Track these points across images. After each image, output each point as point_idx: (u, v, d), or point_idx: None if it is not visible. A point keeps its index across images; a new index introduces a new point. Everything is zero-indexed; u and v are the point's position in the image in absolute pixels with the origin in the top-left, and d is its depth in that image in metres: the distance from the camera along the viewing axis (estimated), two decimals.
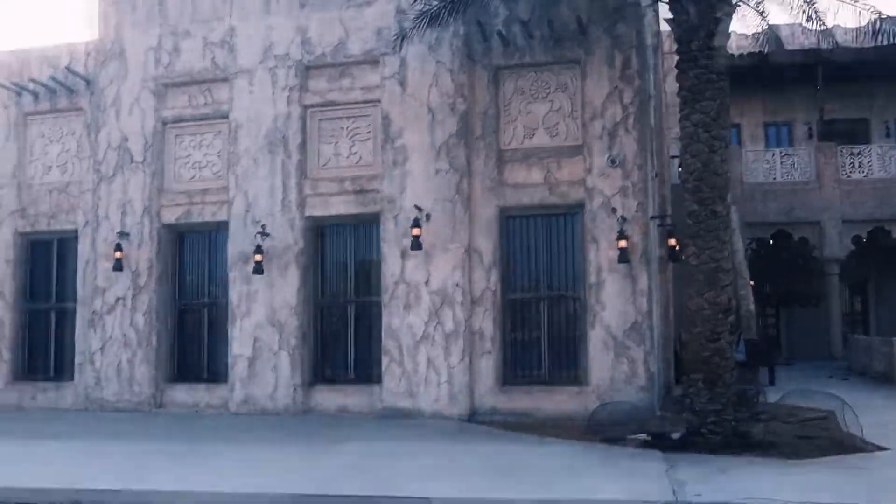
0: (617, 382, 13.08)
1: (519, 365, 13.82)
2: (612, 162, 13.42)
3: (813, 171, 24.21)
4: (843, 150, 24.24)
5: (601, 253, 13.32)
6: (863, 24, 13.13)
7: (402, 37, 13.44)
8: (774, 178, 25.09)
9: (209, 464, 9.81)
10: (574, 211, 13.72)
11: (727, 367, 11.03)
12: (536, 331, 13.91)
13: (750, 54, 19.86)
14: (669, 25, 11.90)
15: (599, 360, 13.19)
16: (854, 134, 27.14)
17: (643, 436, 11.32)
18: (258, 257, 14.29)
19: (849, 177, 23.97)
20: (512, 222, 13.96)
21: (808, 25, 14.23)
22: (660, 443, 10.91)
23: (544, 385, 13.58)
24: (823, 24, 14.07)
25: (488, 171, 13.86)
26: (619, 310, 13.18)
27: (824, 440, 11.14)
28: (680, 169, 12.91)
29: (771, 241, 24.70)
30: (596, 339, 13.24)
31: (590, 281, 13.37)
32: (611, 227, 13.29)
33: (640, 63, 13.67)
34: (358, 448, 10.86)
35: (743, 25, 14.16)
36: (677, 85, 11.62)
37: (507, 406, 13.43)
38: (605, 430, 11.76)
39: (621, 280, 13.21)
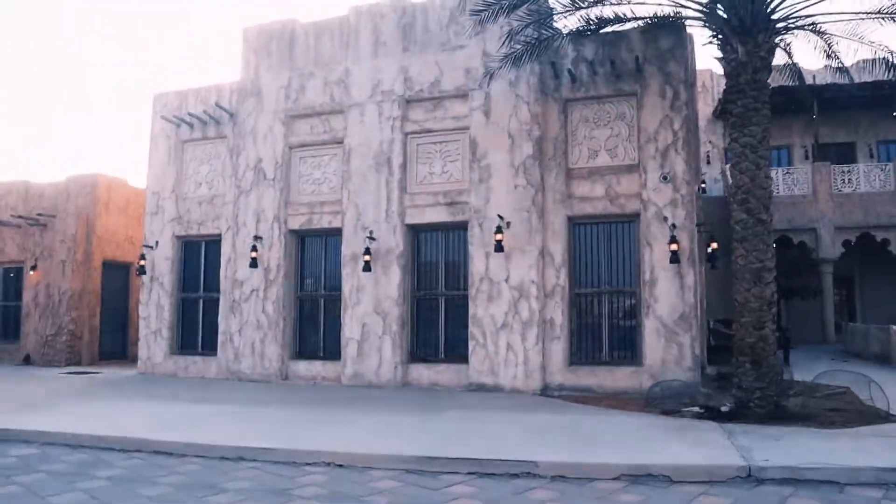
0: (667, 364, 12.54)
1: (583, 348, 13.37)
2: (664, 178, 12.91)
3: (810, 187, 23.61)
4: (835, 169, 23.73)
5: (654, 255, 12.81)
6: (871, 56, 12.47)
7: (490, 75, 13.21)
8: (778, 192, 24.30)
9: (343, 427, 9.58)
10: (631, 219, 13.22)
11: (770, 351, 10.48)
12: (598, 319, 13.43)
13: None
14: (719, 62, 11.31)
15: (652, 345, 12.67)
16: (844, 155, 26.64)
17: (695, 409, 10.80)
18: (367, 258, 14.14)
19: (840, 191, 23.44)
20: (578, 229, 13.53)
21: (829, 62, 13.54)
22: (711, 414, 10.38)
23: (605, 365, 13.10)
24: (841, 62, 13.44)
25: (558, 186, 13.46)
26: (669, 302, 12.65)
27: (852, 412, 10.47)
28: (704, 184, 12.29)
29: (775, 245, 23.83)
30: (650, 327, 12.72)
31: (644, 278, 12.86)
32: (663, 233, 12.79)
33: (687, 96, 13.13)
34: (459, 416, 10.57)
35: None
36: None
37: (573, 382, 13.00)
38: (660, 403, 11.29)
39: (671, 278, 12.68)
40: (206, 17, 66.16)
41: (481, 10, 12.66)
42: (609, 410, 11.03)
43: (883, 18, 11.21)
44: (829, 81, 20.80)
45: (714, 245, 13.27)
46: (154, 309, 16.53)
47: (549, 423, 9.85)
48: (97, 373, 16.95)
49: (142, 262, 16.44)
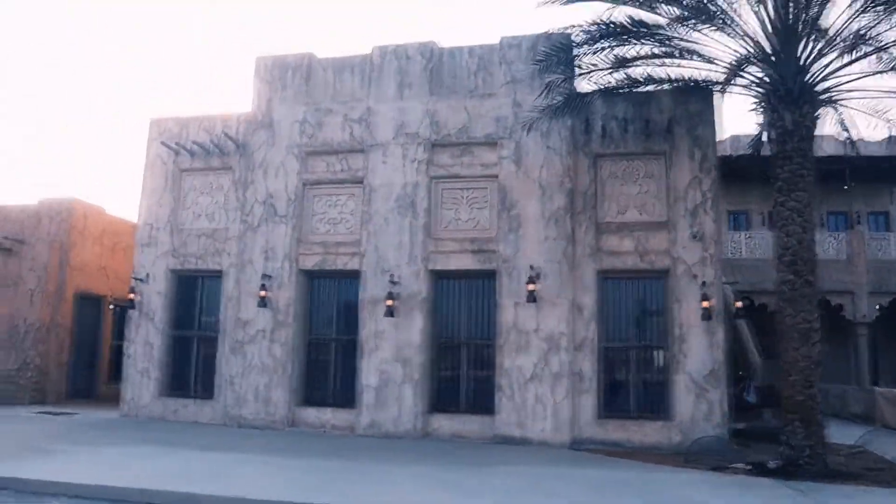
0: (696, 419, 12.84)
1: (612, 402, 13.50)
2: (694, 237, 13.37)
3: (770, 250, 24.21)
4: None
5: (684, 311, 13.17)
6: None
7: (529, 126, 13.37)
8: (740, 255, 25.16)
9: (387, 481, 9.25)
10: (660, 275, 13.58)
11: (818, 410, 10.92)
12: (626, 373, 13.65)
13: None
14: (766, 129, 11.89)
15: (682, 400, 12.95)
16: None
17: (741, 465, 11.06)
18: (390, 302, 13.87)
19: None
20: (607, 282, 13.76)
21: (843, 133, 14.41)
22: (760, 471, 10.64)
23: (633, 420, 13.27)
24: (849, 135, 14.34)
25: (588, 240, 13.70)
26: (699, 358, 13.00)
27: (887, 471, 10.96)
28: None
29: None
30: (679, 383, 13.00)
31: (674, 334, 13.19)
32: (692, 289, 13.20)
33: (715, 157, 13.69)
34: (509, 471, 10.44)
35: None
36: None
37: (603, 436, 13.09)
38: (697, 458, 11.49)
39: (701, 334, 13.05)
40: (201, 47, 64.06)
41: (541, 61, 12.89)
42: (657, 466, 11.14)
43: None
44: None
45: (739, 304, 13.74)
46: (142, 346, 15.56)
47: (609, 480, 9.85)
48: (72, 413, 15.74)
49: (131, 296, 15.52)
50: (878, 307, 21.52)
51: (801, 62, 11.35)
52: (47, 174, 54.78)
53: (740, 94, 12.70)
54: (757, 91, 12.15)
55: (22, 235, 17.59)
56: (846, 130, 14.12)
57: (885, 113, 12.88)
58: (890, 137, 14.55)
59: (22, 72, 56.52)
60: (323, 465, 10.44)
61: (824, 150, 17.14)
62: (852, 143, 14.61)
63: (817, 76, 11.48)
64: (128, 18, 59.48)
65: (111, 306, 19.06)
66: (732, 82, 12.61)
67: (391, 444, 13.02)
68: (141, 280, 15.67)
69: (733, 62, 12.04)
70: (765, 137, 13.54)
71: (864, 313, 21.30)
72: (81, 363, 18.17)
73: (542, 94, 13.40)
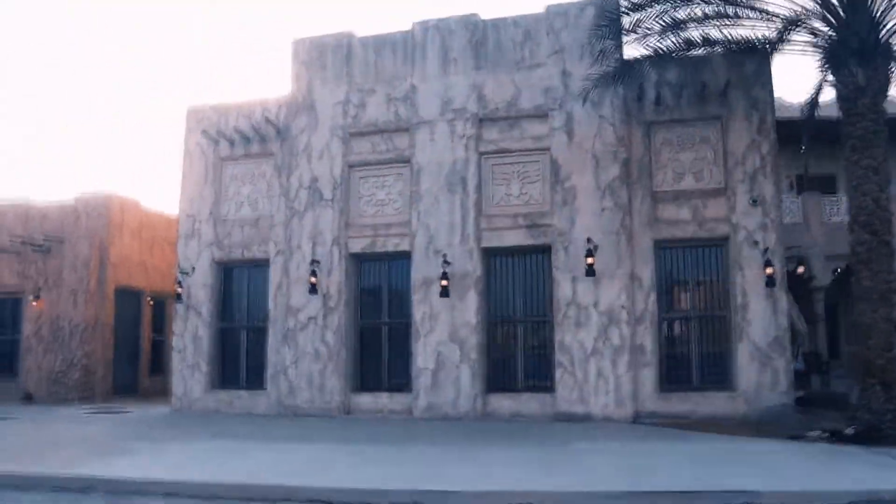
0: (762, 388, 12.68)
1: (674, 374, 13.36)
2: (754, 202, 13.15)
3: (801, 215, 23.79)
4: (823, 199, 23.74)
5: (746, 278, 12.98)
6: None
7: (585, 96, 13.19)
8: None
9: (483, 463, 9.06)
10: (719, 243, 13.39)
11: None
12: (687, 344, 13.46)
13: None
14: (834, 87, 11.62)
15: (746, 369, 12.77)
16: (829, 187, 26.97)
17: (818, 432, 10.87)
18: (444, 282, 13.74)
19: (830, 220, 23.35)
20: (666, 252, 13.57)
21: None
22: (838, 438, 10.45)
23: (696, 391, 13.12)
24: None
25: (644, 210, 13.50)
26: (762, 326, 12.82)
27: None
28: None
29: None
30: (743, 351, 12.83)
31: (736, 302, 13.00)
32: (753, 256, 13.00)
33: (773, 120, 13.43)
34: (593, 447, 10.27)
35: None
36: None
37: (667, 409, 12.94)
38: (769, 428, 11.37)
39: (764, 301, 12.88)
40: (232, 34, 63.59)
41: (590, 28, 12.70)
42: (733, 437, 10.95)
43: None
44: None
45: (802, 269, 13.51)
46: (191, 340, 15.49)
47: (702, 453, 9.64)
48: (124, 411, 15.72)
49: (178, 290, 15.44)
50: None
51: (873, 15, 11.06)
52: (75, 172, 54.91)
53: (797, 52, 12.42)
54: (819, 48, 11.88)
55: (61, 234, 17.55)
56: None
57: None
58: None
59: (40, 68, 56.56)
60: (411, 451, 10.06)
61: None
62: None
63: (892, 30, 11.18)
64: (155, 8, 58.99)
65: (150, 300, 19.02)
66: (791, 39, 12.35)
67: (454, 426, 12.88)
68: (186, 273, 15.60)
69: (794, 15, 11.76)
70: (823, 98, 13.30)
71: None
72: (124, 359, 18.19)
73: (594, 62, 13.20)
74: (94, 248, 17.42)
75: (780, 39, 12.56)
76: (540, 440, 11.04)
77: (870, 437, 10.27)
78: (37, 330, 17.47)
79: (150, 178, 58.22)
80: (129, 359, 18.44)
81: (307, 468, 8.87)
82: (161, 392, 19.00)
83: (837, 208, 24.23)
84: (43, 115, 56.72)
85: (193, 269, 15.64)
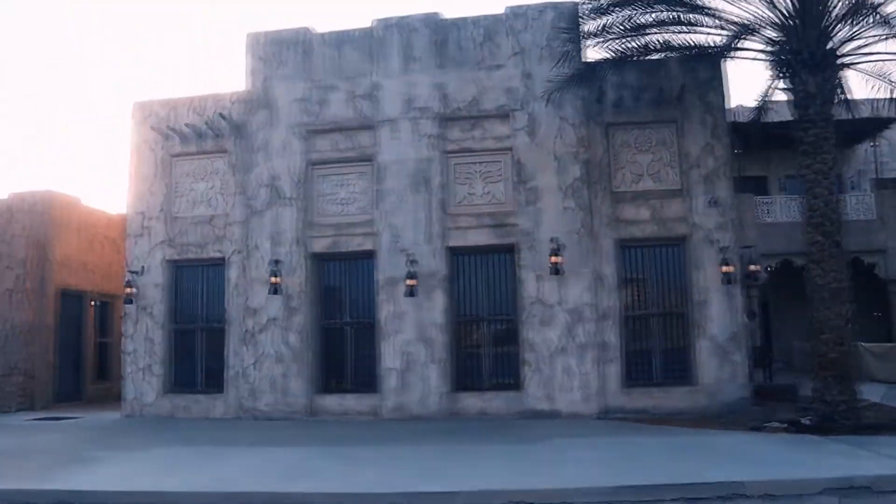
0: (721, 382, 13.29)
1: (637, 370, 13.82)
2: (712, 203, 13.72)
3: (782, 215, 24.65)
4: (757, 200, 24.83)
5: (705, 276, 13.57)
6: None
7: (549, 97, 13.54)
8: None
9: (470, 462, 9.23)
10: (678, 242, 13.93)
11: (851, 367, 11.40)
12: (649, 341, 13.93)
13: None
14: (787, 94, 12.27)
15: (706, 365, 13.38)
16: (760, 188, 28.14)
17: (776, 423, 11.52)
18: (411, 282, 13.81)
19: (763, 220, 24.51)
20: (627, 251, 14.01)
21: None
22: (797, 428, 11.11)
23: (659, 386, 13.63)
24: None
25: (605, 210, 13.93)
26: (721, 323, 13.44)
27: None
28: None
29: None
30: (703, 347, 13.42)
31: (696, 299, 13.56)
32: (711, 255, 13.59)
33: (726, 124, 14.06)
34: (570, 444, 10.61)
35: None
36: None
37: (631, 405, 13.41)
38: (731, 420, 11.97)
39: (722, 298, 13.49)
40: (190, 31, 60.47)
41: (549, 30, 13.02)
42: (701, 430, 11.52)
43: None
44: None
45: (753, 267, 14.21)
46: (142, 342, 15.04)
47: (673, 445, 10.12)
48: (72, 417, 15.12)
49: (128, 290, 14.93)
50: None
51: (824, 26, 11.72)
52: (9, 171, 51.79)
53: (750, 59, 13.04)
54: (772, 56, 12.51)
55: None
56: (844, 93, 14.64)
57: (889, 76, 13.38)
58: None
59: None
60: (390, 453, 10.16)
61: None
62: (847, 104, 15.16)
63: (841, 39, 11.88)
64: (116, 9, 55.98)
65: (92, 302, 18.29)
66: (744, 47, 12.95)
67: (424, 425, 13.00)
68: (136, 272, 15.10)
69: (748, 23, 12.34)
70: (774, 102, 13.99)
71: None
72: (67, 364, 17.41)
73: (556, 64, 13.50)
74: (32, 246, 16.59)
75: (733, 47, 13.16)
76: (518, 437, 11.32)
77: (825, 426, 10.98)
78: None
79: (90, 176, 55.67)
80: (73, 364, 17.66)
81: (291, 473, 8.87)
82: (107, 398, 18.32)
83: (769, 209, 25.62)
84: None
85: (144, 268, 15.16)
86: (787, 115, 13.50)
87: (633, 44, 13.63)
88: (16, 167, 52.54)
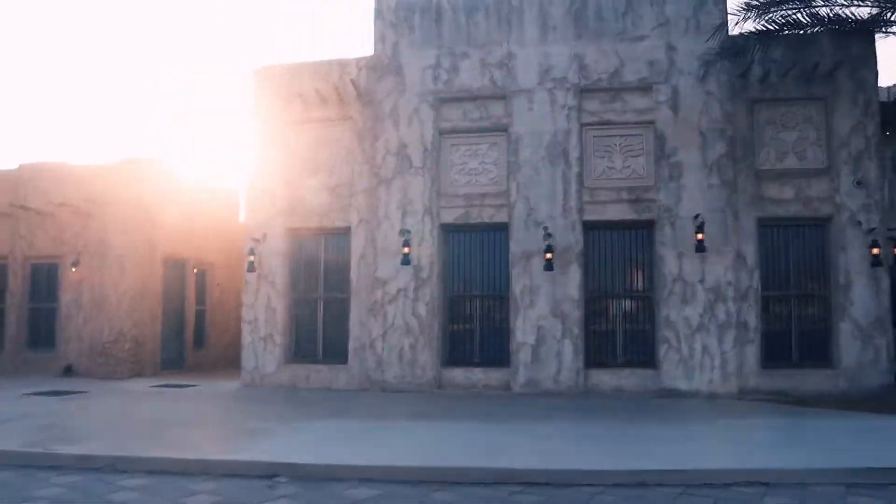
0: (863, 366, 13.41)
1: (775, 351, 13.94)
2: (858, 184, 13.74)
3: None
4: None
5: (849, 259, 13.64)
6: None
7: (705, 72, 13.54)
8: None
9: (652, 441, 9.33)
10: (822, 223, 13.96)
11: None
12: (787, 322, 14.04)
13: None
14: None
15: (847, 348, 13.47)
16: None
17: None
18: (548, 255, 13.89)
19: None
20: (768, 231, 14.07)
21: None
22: None
23: (796, 368, 13.74)
24: None
25: (748, 188, 13.98)
26: (864, 306, 13.54)
27: None
28: None
29: None
30: (845, 330, 13.51)
31: (838, 281, 13.62)
32: (856, 237, 13.65)
33: (878, 102, 14.01)
34: (728, 423, 10.79)
35: None
36: None
37: (768, 386, 13.55)
38: (881, 405, 12.03)
39: (867, 281, 13.56)
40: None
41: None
42: (852, 413, 11.52)
43: None
44: None
45: None
46: (263, 311, 15.19)
47: (846, 428, 10.13)
48: (192, 385, 15.34)
49: (251, 258, 15.06)
50: None
51: None
52: (114, 138, 51.93)
53: None
54: None
55: (99, 197, 16.72)
56: None
57: None
58: None
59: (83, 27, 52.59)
60: (569, 429, 10.17)
61: None
62: None
63: None
64: None
65: (194, 270, 18.44)
66: None
67: (563, 401, 13.10)
68: (257, 240, 15.21)
69: None
70: None
71: None
72: (171, 331, 17.60)
73: (708, 38, 13.54)
74: (143, 213, 16.72)
75: (889, 20, 13.13)
76: (677, 417, 11.41)
77: None
78: (76, 298, 16.70)
79: (190, 147, 55.50)
80: (177, 331, 17.86)
81: (480, 448, 8.85)
82: (203, 366, 18.59)
83: None
84: (86, 78, 53.51)
85: (265, 236, 15.26)
86: None
87: (784, 17, 13.65)
88: (120, 133, 52.60)
